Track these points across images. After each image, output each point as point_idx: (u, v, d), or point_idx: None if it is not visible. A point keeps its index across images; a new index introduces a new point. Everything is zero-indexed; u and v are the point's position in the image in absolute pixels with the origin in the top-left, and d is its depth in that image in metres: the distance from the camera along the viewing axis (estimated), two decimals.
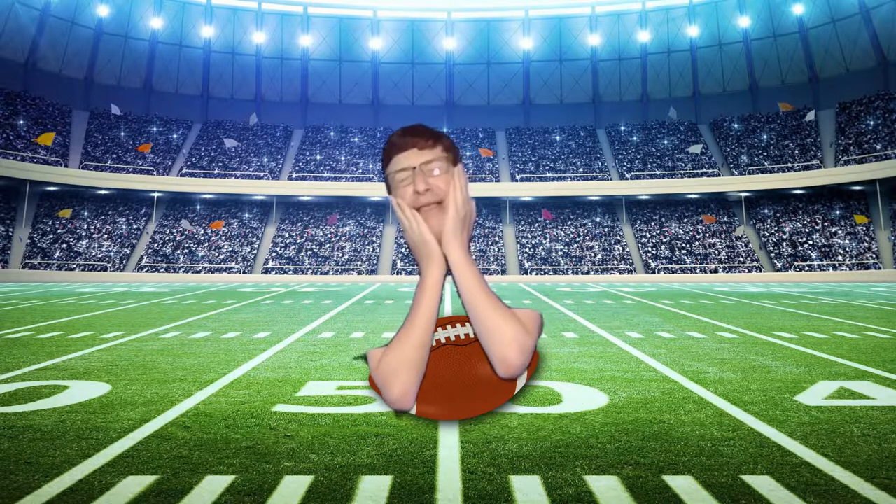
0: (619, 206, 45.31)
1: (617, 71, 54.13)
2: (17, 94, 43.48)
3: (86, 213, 41.76)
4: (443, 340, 1.17)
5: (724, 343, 7.33)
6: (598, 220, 44.70)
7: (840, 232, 38.79)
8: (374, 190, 44.64)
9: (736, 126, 48.33)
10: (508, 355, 1.10)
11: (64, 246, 38.46)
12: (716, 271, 37.88)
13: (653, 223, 43.96)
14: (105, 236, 40.45)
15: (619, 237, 42.59)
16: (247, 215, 45.13)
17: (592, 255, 40.72)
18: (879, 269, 35.14)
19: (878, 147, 39.69)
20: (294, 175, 46.42)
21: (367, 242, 42.75)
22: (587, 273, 38.77)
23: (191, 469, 2.87)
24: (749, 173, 42.95)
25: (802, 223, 40.60)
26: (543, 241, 42.58)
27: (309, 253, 41.30)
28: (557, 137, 51.50)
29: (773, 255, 38.64)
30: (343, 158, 48.92)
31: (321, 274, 38.91)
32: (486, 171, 47.39)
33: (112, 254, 38.97)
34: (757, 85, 50.88)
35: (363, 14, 54.29)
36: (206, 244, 41.49)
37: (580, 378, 5.01)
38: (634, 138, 50.12)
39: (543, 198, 44.98)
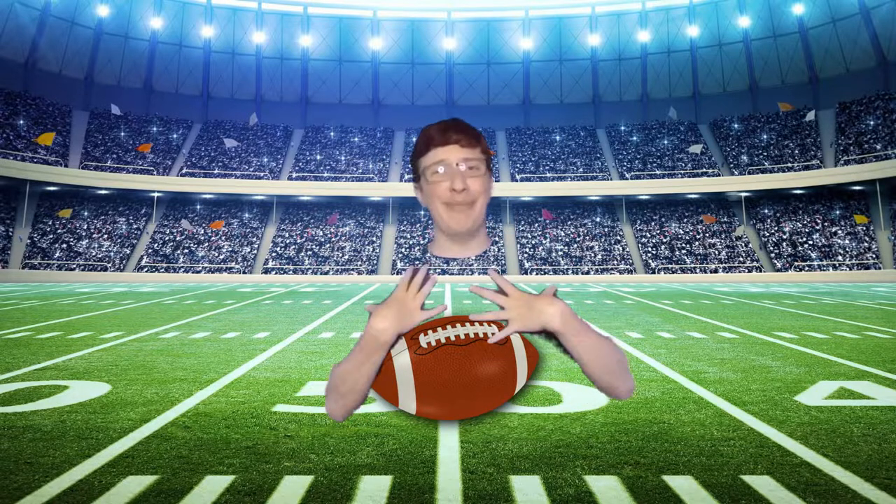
0: (619, 206, 45.30)
1: (617, 71, 54.12)
2: (17, 94, 43.46)
3: (86, 213, 41.75)
4: (443, 340, 1.16)
5: (724, 343, 7.33)
6: (598, 220, 44.69)
7: (840, 232, 38.79)
8: (374, 190, 44.62)
9: (736, 126, 48.32)
10: (628, 386, 1.16)
11: (64, 246, 38.45)
12: (716, 271, 37.87)
13: (653, 223, 43.95)
14: (105, 236, 40.45)
15: (619, 237, 42.58)
16: (247, 215, 45.13)
17: (592, 255, 40.72)
18: (879, 269, 35.13)
19: (878, 147, 39.68)
20: (294, 175, 46.42)
21: (367, 242, 42.75)
22: (587, 273, 38.76)
23: (191, 469, 2.87)
24: (749, 173, 42.93)
25: (802, 223, 40.59)
26: (543, 241, 42.57)
27: (309, 253, 41.30)
28: (557, 137, 51.49)
29: (773, 255, 38.63)
30: (343, 158, 48.91)
31: (321, 274, 38.90)
32: None
33: (112, 254, 38.97)
34: (757, 85, 50.87)
35: (363, 14, 54.28)
36: (206, 244, 41.48)
37: (580, 378, 5.01)
38: (634, 138, 50.11)
39: (543, 198, 44.97)
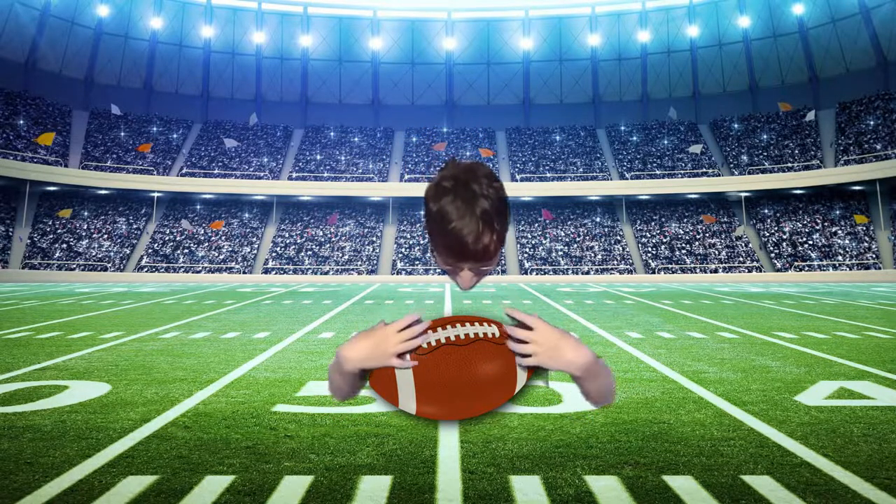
0: (619, 206, 45.30)
1: (617, 71, 54.12)
2: (17, 94, 43.46)
3: (86, 213, 41.75)
4: (443, 340, 1.16)
5: (724, 343, 7.33)
6: (598, 220, 44.70)
7: (840, 232, 38.79)
8: (374, 190, 44.62)
9: (736, 126, 48.32)
10: (611, 401, 1.25)
11: (64, 246, 38.45)
12: (716, 271, 37.87)
13: (653, 223, 43.95)
14: (105, 236, 40.45)
15: (619, 237, 42.58)
16: (247, 215, 45.13)
17: (592, 255, 40.72)
18: (879, 269, 35.13)
19: (878, 147, 39.68)
20: (294, 175, 46.42)
21: (367, 242, 42.75)
22: (587, 273, 38.76)
23: (191, 469, 2.87)
24: (749, 173, 42.94)
25: (802, 223, 40.59)
26: (543, 241, 42.57)
27: (309, 253, 41.30)
28: (557, 137, 51.49)
29: (773, 255, 38.64)
30: (343, 158, 48.91)
31: (321, 274, 38.90)
32: None
33: (112, 254, 38.97)
34: (757, 85, 50.87)
35: (363, 14, 54.28)
36: (206, 244, 41.48)
37: None
38: (634, 138, 50.11)
39: (543, 198, 44.97)
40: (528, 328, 1.14)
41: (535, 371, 1.19)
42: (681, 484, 2.68)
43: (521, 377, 1.18)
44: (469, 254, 1.18)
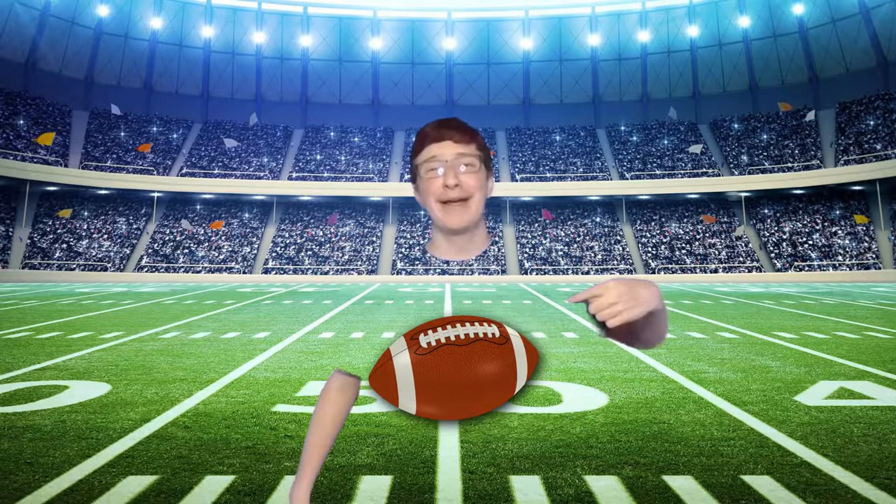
0: (619, 206, 45.30)
1: (617, 71, 54.11)
2: (17, 94, 43.45)
3: (86, 213, 41.74)
4: (443, 340, 1.16)
5: (724, 343, 7.33)
6: (598, 220, 44.69)
7: (840, 232, 38.78)
8: (374, 190, 44.61)
9: (736, 126, 48.32)
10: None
11: (64, 246, 38.44)
12: (716, 271, 37.87)
13: (653, 223, 43.95)
14: (105, 236, 40.44)
15: (619, 237, 42.58)
16: (247, 215, 45.12)
17: (592, 255, 40.71)
18: (879, 269, 35.12)
19: (878, 147, 39.68)
20: (294, 175, 46.42)
21: (367, 242, 42.74)
22: (587, 273, 38.75)
23: (191, 469, 2.87)
24: (749, 173, 42.93)
25: (802, 223, 40.59)
26: (543, 241, 42.56)
27: (309, 253, 41.29)
28: (557, 137, 51.48)
29: (773, 255, 38.63)
30: (343, 158, 48.90)
31: (321, 274, 38.89)
32: None
33: (112, 254, 38.96)
34: (757, 85, 50.87)
35: (363, 14, 54.28)
36: (206, 244, 41.48)
37: (580, 378, 5.02)
38: (634, 138, 50.10)
39: (543, 198, 44.97)
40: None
41: (535, 370, 1.19)
42: (681, 484, 2.68)
43: (521, 377, 1.18)
44: (444, 124, 1.24)
